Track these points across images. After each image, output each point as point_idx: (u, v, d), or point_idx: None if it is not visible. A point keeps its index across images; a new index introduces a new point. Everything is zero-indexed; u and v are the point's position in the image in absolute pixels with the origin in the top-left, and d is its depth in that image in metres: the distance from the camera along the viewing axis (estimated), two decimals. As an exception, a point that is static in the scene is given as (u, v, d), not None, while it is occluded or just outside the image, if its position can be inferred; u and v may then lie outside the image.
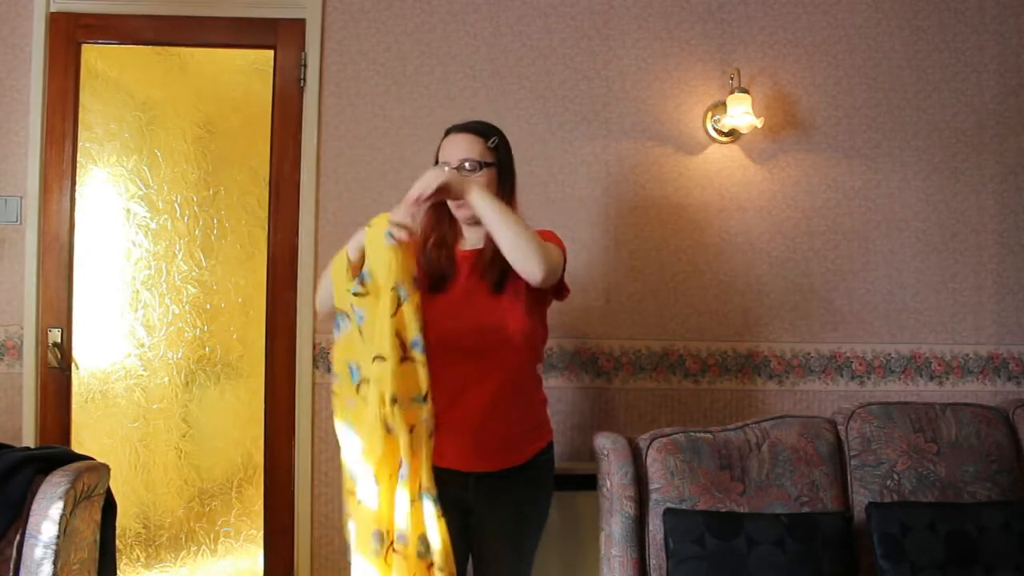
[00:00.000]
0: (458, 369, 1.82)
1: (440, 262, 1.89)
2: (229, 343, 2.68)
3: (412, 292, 1.64)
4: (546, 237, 1.84)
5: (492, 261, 1.82)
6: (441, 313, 1.81)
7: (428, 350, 1.64)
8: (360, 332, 1.69)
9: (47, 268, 2.58)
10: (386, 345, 1.63)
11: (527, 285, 1.77)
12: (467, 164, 1.84)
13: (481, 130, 1.91)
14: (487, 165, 1.86)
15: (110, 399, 2.64)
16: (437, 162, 1.90)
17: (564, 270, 1.86)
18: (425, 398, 1.63)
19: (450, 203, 1.87)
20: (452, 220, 1.92)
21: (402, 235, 1.62)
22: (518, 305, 1.83)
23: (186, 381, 2.66)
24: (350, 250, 1.72)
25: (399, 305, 1.63)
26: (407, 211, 1.66)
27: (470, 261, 1.88)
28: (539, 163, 2.64)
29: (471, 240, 1.92)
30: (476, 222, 1.86)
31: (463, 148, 1.87)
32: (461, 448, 1.83)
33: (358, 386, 1.70)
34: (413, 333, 1.64)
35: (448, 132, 1.93)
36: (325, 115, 2.62)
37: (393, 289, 1.63)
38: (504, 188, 1.89)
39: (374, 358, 1.64)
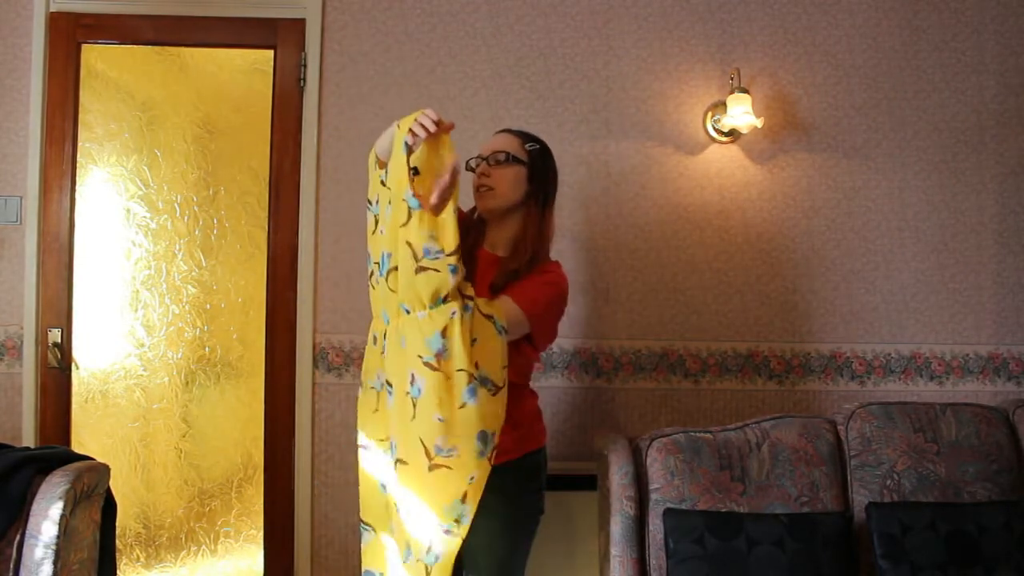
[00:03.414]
0: None
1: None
2: (229, 343, 2.68)
3: (426, 203, 1.63)
4: (551, 273, 1.86)
5: (501, 273, 1.84)
6: None
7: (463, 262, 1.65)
8: (377, 222, 1.74)
9: (47, 268, 2.58)
10: (398, 255, 1.65)
11: None
12: (499, 156, 1.87)
13: (523, 134, 1.95)
14: (517, 160, 1.88)
15: (110, 399, 2.64)
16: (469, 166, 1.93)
17: (548, 325, 1.86)
18: (445, 299, 1.63)
19: (475, 197, 1.90)
20: (479, 222, 1.94)
21: (418, 140, 1.63)
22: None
23: (186, 381, 2.66)
24: (379, 148, 1.75)
25: (408, 215, 1.63)
26: (429, 123, 1.63)
27: (487, 263, 1.90)
28: (539, 163, 2.64)
29: (492, 242, 1.93)
30: (495, 217, 1.90)
31: (499, 143, 1.92)
32: None
33: (387, 275, 1.72)
34: (425, 241, 1.62)
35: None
36: (325, 115, 2.62)
37: (403, 200, 1.63)
38: (535, 192, 1.89)
39: (390, 271, 1.68)
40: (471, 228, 1.94)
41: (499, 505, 1.81)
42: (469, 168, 1.91)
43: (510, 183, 1.87)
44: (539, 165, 1.91)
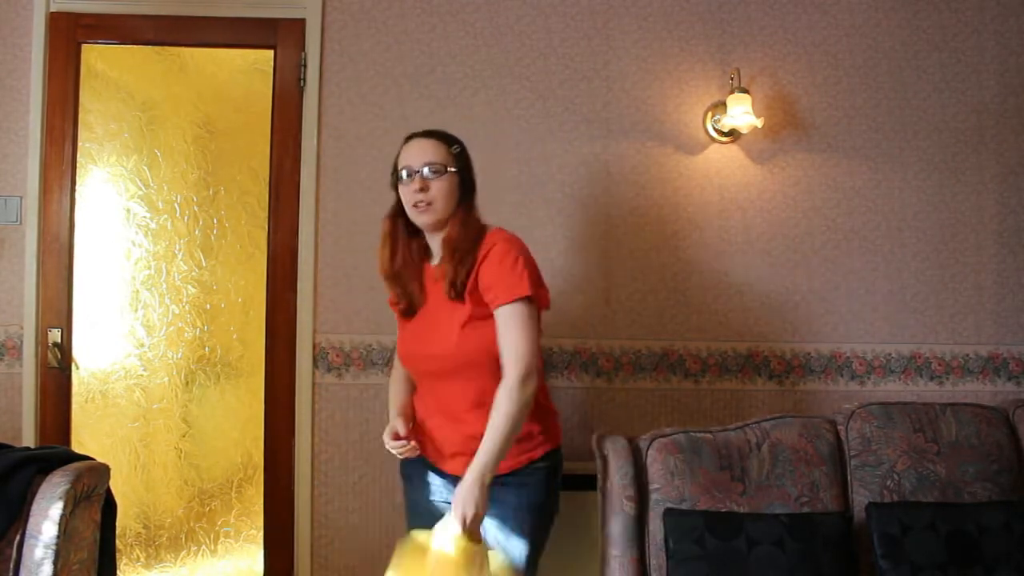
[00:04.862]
0: (431, 390, 1.92)
1: (410, 288, 1.91)
2: (229, 343, 2.68)
3: None
4: (496, 245, 1.82)
5: (451, 274, 1.82)
6: (411, 336, 1.93)
7: None
8: None
9: (47, 268, 2.58)
10: None
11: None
12: (430, 168, 1.84)
13: (445, 137, 1.91)
14: (450, 171, 1.86)
15: (110, 399, 2.64)
16: (395, 169, 1.90)
17: (536, 282, 1.83)
18: None
19: (409, 210, 1.87)
20: (419, 238, 1.94)
21: None
22: (482, 322, 1.82)
23: (186, 381, 2.66)
24: None
25: None
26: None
27: (436, 275, 1.89)
28: (539, 163, 2.64)
29: (438, 253, 1.91)
30: (436, 228, 1.88)
31: (427, 152, 1.86)
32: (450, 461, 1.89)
33: None
34: None
35: (409, 138, 1.92)
36: (325, 115, 2.62)
37: None
38: (465, 194, 1.89)
39: None
40: (414, 245, 1.93)
41: (516, 508, 1.82)
42: (399, 180, 1.88)
43: (446, 195, 1.85)
44: (465, 167, 1.91)
